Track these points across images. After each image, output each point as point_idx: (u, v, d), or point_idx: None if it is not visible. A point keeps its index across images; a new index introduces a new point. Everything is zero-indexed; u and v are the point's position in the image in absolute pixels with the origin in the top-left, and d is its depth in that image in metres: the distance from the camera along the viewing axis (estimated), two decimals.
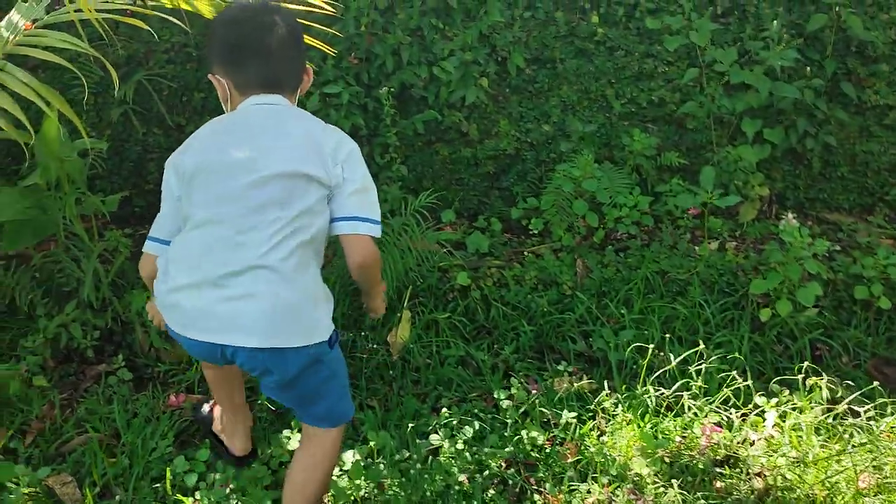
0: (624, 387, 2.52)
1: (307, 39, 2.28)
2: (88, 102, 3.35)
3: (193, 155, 1.76)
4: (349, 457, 2.23)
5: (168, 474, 2.21)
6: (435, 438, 2.30)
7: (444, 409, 2.40)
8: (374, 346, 2.75)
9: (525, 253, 3.24)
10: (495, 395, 2.47)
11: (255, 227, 1.67)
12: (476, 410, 2.49)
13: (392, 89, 3.29)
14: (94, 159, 3.05)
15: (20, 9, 2.21)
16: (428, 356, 2.76)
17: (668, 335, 2.66)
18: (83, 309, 2.79)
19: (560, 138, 3.59)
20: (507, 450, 2.24)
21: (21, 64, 1.97)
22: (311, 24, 2.32)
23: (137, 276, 2.84)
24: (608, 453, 2.18)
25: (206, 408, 2.45)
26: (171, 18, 1.97)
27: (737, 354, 2.52)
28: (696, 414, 2.35)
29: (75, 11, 1.91)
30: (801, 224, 3.37)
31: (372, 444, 2.25)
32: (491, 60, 3.47)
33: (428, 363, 2.73)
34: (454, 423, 2.37)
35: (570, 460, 2.21)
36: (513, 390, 2.44)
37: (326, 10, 2.11)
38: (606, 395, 2.43)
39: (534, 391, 2.55)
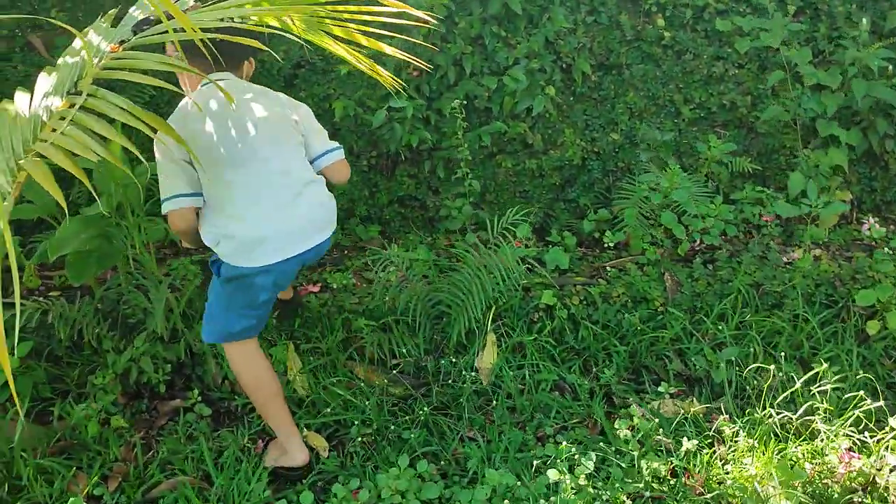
0: (748, 410, 2.38)
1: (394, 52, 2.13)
2: None
3: (195, 125, 2.03)
4: (464, 497, 2.08)
5: None
6: (552, 473, 2.15)
7: (564, 443, 2.25)
8: (465, 372, 2.61)
9: (607, 268, 3.10)
10: (615, 425, 2.32)
11: (290, 155, 2.12)
12: (580, 438, 2.36)
13: (463, 102, 3.15)
14: (151, 183, 2.90)
15: (98, 30, 2.06)
16: (520, 381, 2.62)
17: (779, 352, 2.53)
18: (153, 342, 2.64)
19: (627, 147, 3.46)
20: (633, 484, 2.10)
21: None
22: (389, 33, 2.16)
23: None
24: (746, 486, 2.04)
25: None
26: (265, 48, 1.81)
27: (862, 372, 2.39)
28: (825, 438, 2.21)
29: (174, 31, 1.76)
30: (885, 229, 3.26)
31: (492, 484, 2.09)
32: (556, 68, 3.34)
33: (521, 389, 2.60)
34: (573, 455, 2.22)
35: (704, 494, 2.07)
36: (635, 420, 2.30)
37: (430, 23, 1.97)
38: (725, 421, 2.29)
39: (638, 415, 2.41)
